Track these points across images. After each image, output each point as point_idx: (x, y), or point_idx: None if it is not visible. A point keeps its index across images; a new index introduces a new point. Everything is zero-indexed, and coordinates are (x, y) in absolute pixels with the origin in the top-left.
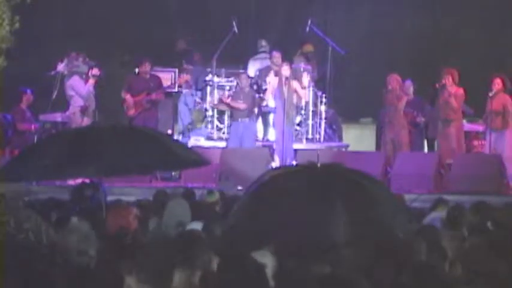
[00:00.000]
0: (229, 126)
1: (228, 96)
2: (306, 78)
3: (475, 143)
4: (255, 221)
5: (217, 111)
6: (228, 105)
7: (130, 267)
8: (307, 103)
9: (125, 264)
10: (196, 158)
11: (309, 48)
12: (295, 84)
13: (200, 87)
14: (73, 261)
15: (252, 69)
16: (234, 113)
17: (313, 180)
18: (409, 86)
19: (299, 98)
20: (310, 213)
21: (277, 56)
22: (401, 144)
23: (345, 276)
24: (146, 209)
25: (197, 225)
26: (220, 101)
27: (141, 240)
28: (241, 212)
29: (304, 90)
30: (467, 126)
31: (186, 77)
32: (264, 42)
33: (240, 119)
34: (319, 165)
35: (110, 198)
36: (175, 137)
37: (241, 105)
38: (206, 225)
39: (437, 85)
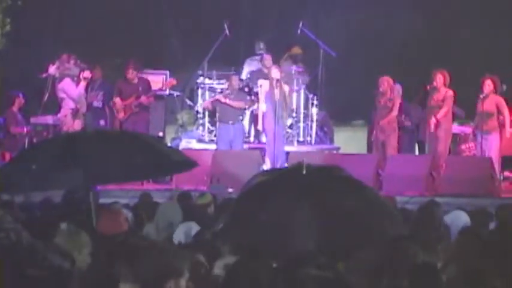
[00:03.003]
0: (218, 129)
1: (225, 96)
2: (294, 82)
3: (463, 146)
4: (240, 224)
5: (209, 113)
6: (226, 104)
7: (125, 274)
8: (298, 106)
9: (119, 270)
10: (183, 162)
11: (297, 50)
12: (285, 87)
13: None
14: (56, 265)
15: (248, 69)
16: (223, 117)
17: (296, 185)
18: (399, 89)
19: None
20: (284, 218)
21: (267, 58)
22: (393, 147)
23: (339, 278)
24: (137, 212)
25: (185, 227)
26: (218, 100)
27: (132, 242)
28: (229, 214)
29: (292, 94)
30: (456, 128)
31: (172, 81)
32: (262, 45)
33: (230, 122)
34: (304, 169)
35: (101, 201)
36: (167, 139)
37: (240, 103)
38: (200, 230)
39: (428, 87)
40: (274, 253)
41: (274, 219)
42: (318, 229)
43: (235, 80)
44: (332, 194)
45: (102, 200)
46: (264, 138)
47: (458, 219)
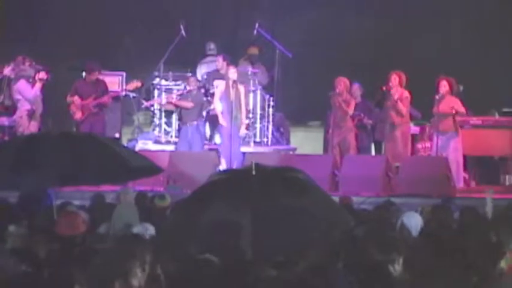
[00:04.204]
0: (178, 130)
1: (176, 97)
2: (251, 82)
3: (419, 146)
4: (185, 224)
5: (165, 114)
6: (175, 105)
7: (80, 276)
8: (254, 106)
9: (74, 273)
10: (147, 167)
11: (253, 50)
12: (241, 88)
13: None
14: (8, 269)
15: (200, 72)
16: (183, 117)
17: (243, 186)
18: (357, 89)
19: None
20: (228, 218)
21: (219, 59)
22: (349, 148)
23: (291, 278)
24: (94, 213)
25: (141, 228)
26: (168, 102)
27: (90, 245)
28: (177, 214)
29: (248, 95)
30: (413, 129)
31: (137, 83)
32: (212, 46)
33: (188, 123)
34: (254, 170)
35: (57, 202)
36: (123, 141)
37: (188, 104)
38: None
39: (384, 88)
40: (218, 253)
41: (218, 219)
42: (256, 230)
43: (193, 81)
44: (276, 195)
45: (56, 201)
46: (218, 139)
47: (411, 220)
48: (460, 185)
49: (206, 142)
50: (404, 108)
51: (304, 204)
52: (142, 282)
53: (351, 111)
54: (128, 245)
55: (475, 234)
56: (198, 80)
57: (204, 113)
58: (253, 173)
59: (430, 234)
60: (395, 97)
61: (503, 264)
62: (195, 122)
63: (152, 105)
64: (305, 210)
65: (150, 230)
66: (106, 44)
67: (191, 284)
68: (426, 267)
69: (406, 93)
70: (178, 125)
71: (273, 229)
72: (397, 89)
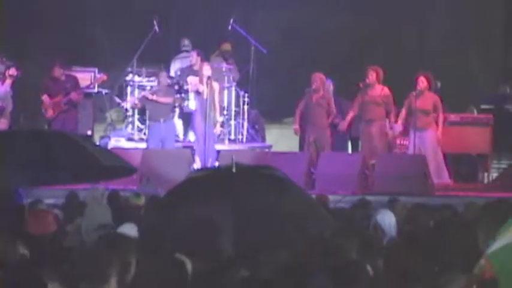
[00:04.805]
0: (148, 127)
1: (153, 93)
2: (225, 79)
3: (397, 141)
4: (162, 222)
5: (138, 111)
6: (154, 100)
7: (52, 274)
8: (229, 103)
9: (47, 271)
10: (120, 168)
11: (226, 47)
12: (215, 85)
13: None
14: None
15: (174, 68)
16: (153, 114)
17: (221, 184)
18: (329, 86)
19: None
20: (205, 216)
21: (193, 55)
22: (325, 145)
23: (264, 278)
24: (68, 211)
25: (125, 228)
26: (145, 97)
27: (60, 243)
28: (154, 212)
29: (223, 92)
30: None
31: (102, 77)
32: (186, 42)
33: (161, 120)
34: (234, 168)
35: (28, 200)
36: (95, 138)
37: (166, 99)
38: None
39: (360, 84)
40: (197, 252)
41: (198, 217)
42: (238, 228)
43: (163, 76)
44: (257, 193)
45: (27, 200)
46: (192, 137)
47: (385, 218)
48: (446, 181)
49: (180, 140)
50: (392, 107)
51: (284, 202)
52: (126, 282)
53: (333, 113)
54: (109, 245)
55: (452, 232)
56: (170, 76)
57: (178, 110)
58: (233, 170)
59: (407, 233)
60: (376, 93)
61: (476, 271)
62: (168, 119)
63: (126, 104)
64: (285, 208)
65: (133, 230)
66: (79, 40)
67: (164, 283)
68: (403, 266)
69: (388, 91)
70: (149, 122)
71: (254, 227)
72: (376, 84)
